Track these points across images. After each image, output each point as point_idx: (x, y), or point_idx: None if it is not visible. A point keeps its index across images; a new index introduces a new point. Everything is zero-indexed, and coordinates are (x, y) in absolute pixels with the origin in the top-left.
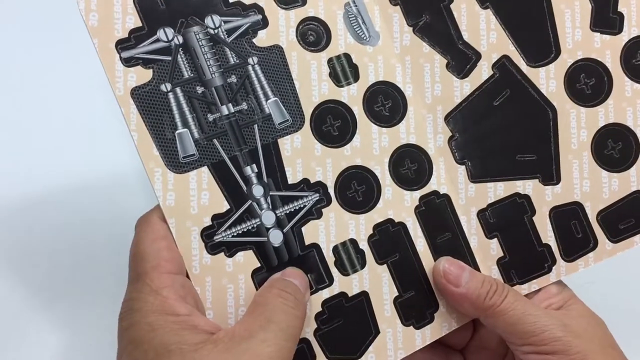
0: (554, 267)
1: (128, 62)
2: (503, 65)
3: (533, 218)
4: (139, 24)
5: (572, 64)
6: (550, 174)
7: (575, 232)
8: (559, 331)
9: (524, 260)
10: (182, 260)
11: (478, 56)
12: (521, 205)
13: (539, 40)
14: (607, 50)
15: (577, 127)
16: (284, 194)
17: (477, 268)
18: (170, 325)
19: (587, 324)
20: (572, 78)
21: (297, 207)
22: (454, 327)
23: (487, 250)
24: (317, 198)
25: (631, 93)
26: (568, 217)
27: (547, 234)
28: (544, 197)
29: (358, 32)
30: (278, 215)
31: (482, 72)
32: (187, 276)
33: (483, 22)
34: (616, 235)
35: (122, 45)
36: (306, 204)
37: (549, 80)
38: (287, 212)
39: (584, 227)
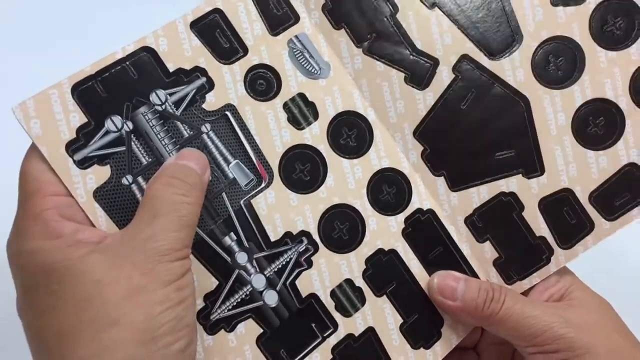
0: (552, 258)
1: (82, 164)
2: (463, 65)
3: (522, 214)
4: (84, 119)
5: (538, 47)
6: (532, 166)
7: (568, 218)
8: (561, 328)
9: (520, 256)
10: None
11: (436, 62)
12: (508, 203)
13: (497, 30)
14: (573, 23)
15: (553, 112)
16: (267, 253)
17: (474, 274)
18: (54, 245)
19: (589, 312)
20: (539, 62)
21: (283, 262)
22: (462, 337)
23: (481, 255)
24: (302, 248)
25: (606, 63)
26: (558, 205)
27: (540, 226)
28: (530, 191)
29: (307, 67)
30: (267, 275)
31: (443, 77)
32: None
33: (434, 25)
34: (612, 213)
35: (72, 147)
36: (291, 256)
37: (515, 70)
38: (275, 270)
39: (577, 212)
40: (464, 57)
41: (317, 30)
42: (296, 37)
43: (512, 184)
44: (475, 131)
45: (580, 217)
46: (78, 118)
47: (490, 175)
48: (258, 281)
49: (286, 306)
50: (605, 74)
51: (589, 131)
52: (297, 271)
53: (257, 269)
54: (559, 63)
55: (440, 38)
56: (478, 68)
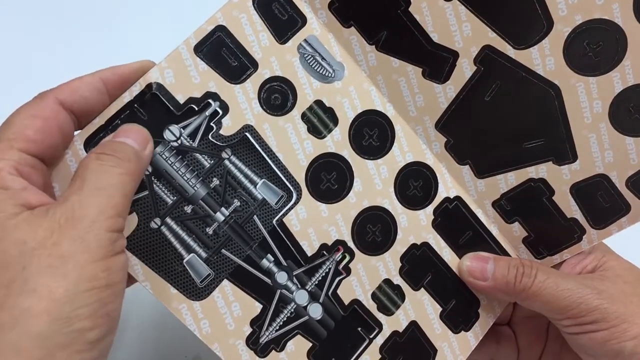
0: (584, 236)
1: None
2: (486, 56)
3: (553, 198)
4: None
5: (571, 33)
6: (564, 154)
7: (602, 202)
8: (595, 299)
9: (551, 235)
10: (54, 148)
11: (455, 55)
12: (537, 188)
13: (522, 16)
14: (614, 3)
15: (587, 100)
16: (306, 268)
17: (505, 253)
18: None
19: (624, 283)
20: (572, 49)
21: (323, 274)
22: (498, 314)
23: (511, 234)
24: (339, 257)
25: None
26: (592, 190)
27: (572, 209)
28: (561, 177)
29: (321, 71)
30: (309, 290)
31: (464, 70)
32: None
33: (452, 16)
34: None
35: None
36: (330, 266)
37: (544, 58)
38: (316, 282)
39: (612, 196)
40: (487, 48)
41: (326, 30)
42: (305, 41)
43: (542, 170)
44: (501, 122)
45: (616, 201)
46: None
47: (518, 164)
48: (301, 297)
49: (331, 316)
50: None
51: (628, 118)
52: (337, 280)
53: (299, 285)
54: (596, 48)
55: (458, 29)
56: (502, 59)
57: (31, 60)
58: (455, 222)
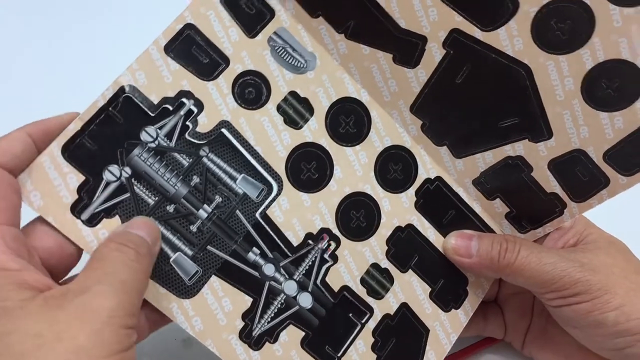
0: (565, 210)
1: (91, 222)
2: (454, 40)
3: (532, 174)
4: (82, 178)
5: (537, 13)
6: (539, 131)
7: (581, 176)
8: (577, 272)
9: (532, 210)
10: (17, 212)
11: (423, 40)
12: (515, 166)
13: None
14: None
15: (559, 77)
16: (292, 258)
17: (488, 229)
18: None
19: (605, 254)
20: (540, 28)
21: (310, 263)
22: (487, 289)
23: (493, 210)
24: (325, 245)
25: (621, 22)
26: (570, 165)
27: (551, 184)
28: (538, 153)
29: (292, 63)
30: (297, 279)
31: (434, 54)
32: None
33: (417, 2)
34: (630, 168)
35: (77, 208)
36: (316, 254)
37: (512, 39)
38: (304, 272)
39: (590, 170)
40: (454, 32)
41: (295, 21)
42: (275, 33)
43: (519, 148)
44: (474, 103)
45: (594, 175)
46: (75, 178)
47: (494, 143)
48: (290, 287)
49: (322, 304)
50: (619, 33)
51: (599, 94)
52: (325, 268)
53: (287, 276)
54: (563, 27)
55: (425, 14)
56: (471, 41)
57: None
58: (438, 202)
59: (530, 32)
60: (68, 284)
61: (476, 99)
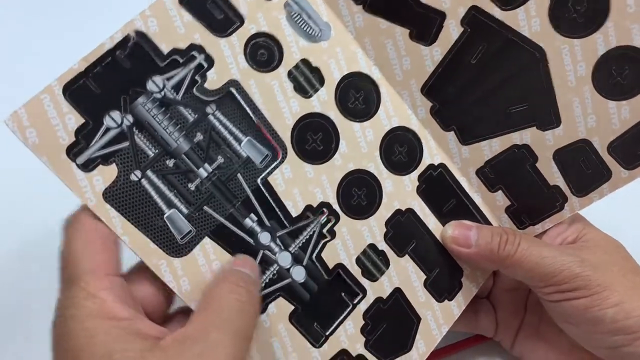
0: (566, 205)
1: (87, 167)
2: (473, 17)
3: (536, 164)
4: (81, 120)
5: None
6: (548, 119)
7: (584, 168)
8: (577, 267)
9: (533, 204)
10: (119, 262)
11: (442, 16)
12: (520, 155)
13: None
14: None
15: (572, 62)
16: (290, 229)
17: (487, 222)
18: (112, 330)
19: (604, 253)
20: (557, 9)
21: (307, 237)
22: (481, 284)
23: (494, 203)
24: (324, 220)
25: (634, 7)
26: (574, 155)
27: (554, 176)
28: (545, 143)
29: (307, 30)
30: (292, 252)
31: (451, 31)
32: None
33: None
34: (632, 162)
35: (73, 151)
36: (314, 229)
37: (530, 20)
38: (300, 245)
39: (594, 162)
40: (474, 9)
41: None
42: None
43: (526, 136)
44: (486, 86)
45: (597, 167)
46: (74, 120)
47: (502, 129)
48: (284, 259)
49: (315, 279)
50: (632, 19)
51: (610, 82)
52: (321, 243)
53: (282, 247)
54: (580, 9)
55: None
56: (489, 20)
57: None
58: (439, 189)
59: (548, 13)
60: (184, 329)
61: (488, 82)
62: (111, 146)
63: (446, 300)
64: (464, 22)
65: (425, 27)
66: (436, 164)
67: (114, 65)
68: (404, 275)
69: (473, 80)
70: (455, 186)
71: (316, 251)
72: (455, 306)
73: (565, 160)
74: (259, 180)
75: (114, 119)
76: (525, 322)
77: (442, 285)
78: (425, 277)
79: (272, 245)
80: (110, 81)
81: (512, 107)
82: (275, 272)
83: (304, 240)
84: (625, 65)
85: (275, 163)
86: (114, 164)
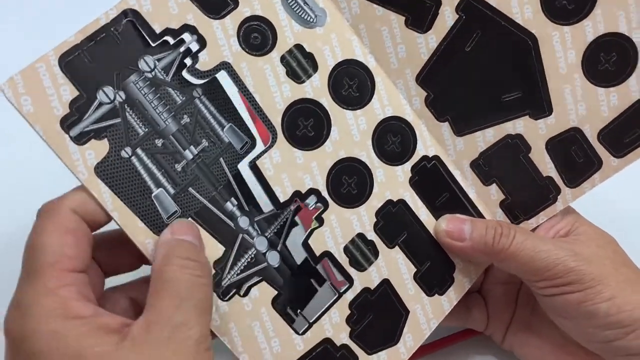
0: (559, 197)
1: (79, 140)
2: (468, 4)
3: (529, 155)
4: (76, 92)
5: None
6: (540, 107)
7: (576, 157)
8: (571, 261)
9: (527, 197)
10: (88, 258)
11: (437, 3)
12: (514, 145)
13: None
14: None
15: (562, 49)
16: (266, 215)
17: (481, 216)
18: (78, 329)
19: (596, 246)
20: None
21: (281, 223)
22: (474, 280)
23: (488, 197)
24: (296, 207)
25: None
26: (566, 145)
27: (547, 167)
28: (538, 132)
29: (302, 15)
30: (268, 237)
31: (446, 19)
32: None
33: None
34: (621, 149)
35: (67, 123)
36: (287, 216)
37: (522, 7)
38: (275, 230)
39: (585, 151)
40: None
41: None
42: None
43: (519, 125)
44: (481, 74)
45: (589, 156)
46: (69, 91)
47: (496, 119)
48: (260, 243)
49: (288, 265)
50: (618, 5)
51: (599, 68)
52: (307, 232)
53: (259, 232)
54: None
55: None
56: (483, 6)
57: None
58: (433, 182)
59: (540, 0)
60: (147, 315)
61: (483, 70)
62: (104, 121)
63: (437, 295)
64: (459, 8)
65: (420, 14)
66: (430, 156)
67: (108, 40)
68: (394, 266)
69: (468, 68)
70: (449, 179)
71: (288, 238)
72: (446, 301)
73: (557, 150)
74: (239, 166)
75: (107, 94)
76: (516, 316)
77: (433, 279)
78: (415, 269)
79: (250, 229)
80: (104, 56)
81: (506, 95)
82: (252, 255)
83: (278, 227)
84: (613, 51)
85: (265, 147)
86: (106, 139)
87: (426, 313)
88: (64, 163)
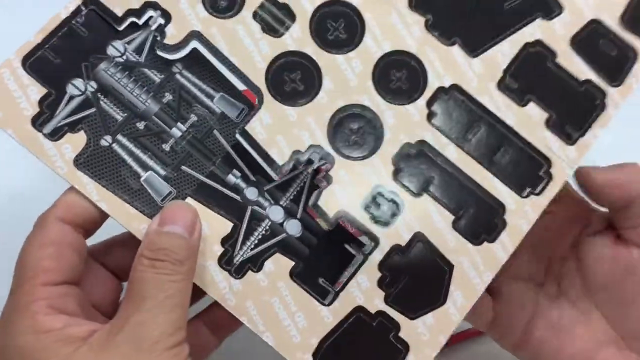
0: (606, 100)
1: (54, 136)
2: None
3: (557, 60)
4: (44, 90)
5: None
6: (547, 5)
7: (607, 51)
8: None
9: (572, 109)
10: (73, 270)
11: None
12: (538, 53)
13: None
14: None
15: None
16: (277, 182)
17: (526, 143)
18: (42, 342)
19: None
20: None
21: (298, 188)
22: (532, 222)
23: (528, 119)
24: (316, 166)
25: None
26: (592, 40)
27: (581, 69)
28: (556, 33)
29: None
30: (283, 205)
31: None
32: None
33: None
34: None
35: (38, 121)
36: (304, 179)
37: None
38: (291, 197)
39: (614, 42)
40: None
41: None
42: None
43: (534, 31)
44: None
45: (619, 47)
46: (37, 90)
47: (507, 29)
48: (275, 213)
49: (312, 231)
50: None
51: None
52: (316, 193)
53: (272, 201)
54: None
55: None
56: None
57: None
58: (458, 114)
59: None
60: (112, 320)
61: None
62: (77, 114)
63: (485, 243)
64: None
65: None
66: (447, 86)
67: (71, 33)
68: (425, 217)
69: None
70: (478, 107)
71: (310, 202)
72: (500, 248)
73: (585, 47)
74: (238, 135)
75: (76, 87)
76: (538, 319)
77: (477, 225)
78: (452, 217)
79: (261, 200)
80: (69, 50)
81: (507, 2)
82: (267, 227)
83: (295, 192)
84: None
85: (252, 112)
86: (82, 131)
87: (476, 265)
88: (42, 161)
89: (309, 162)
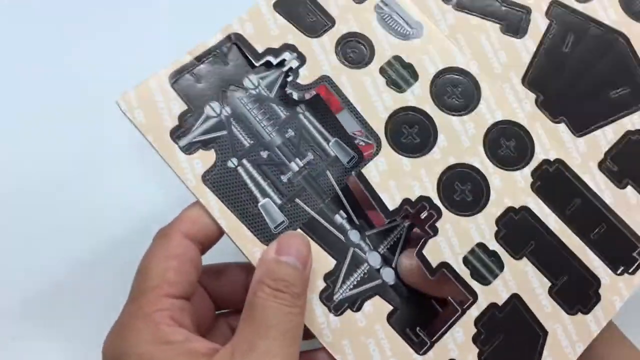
0: None
1: (188, 150)
2: (556, 10)
3: None
4: (184, 107)
5: None
6: None
7: None
8: None
9: None
10: (192, 285)
11: (527, 10)
12: (637, 141)
13: None
14: None
15: None
16: (378, 229)
17: (622, 223)
18: (165, 353)
19: None
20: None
21: (395, 239)
22: (625, 298)
23: (625, 201)
24: (408, 223)
25: None
26: None
27: None
28: None
29: (399, 29)
30: (381, 252)
31: (539, 24)
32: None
33: None
34: None
35: (176, 134)
36: (401, 231)
37: (606, 10)
38: (388, 246)
39: None
40: (555, 3)
41: None
42: (382, 1)
43: (637, 121)
44: (584, 72)
45: None
46: (179, 105)
47: (611, 116)
48: (374, 259)
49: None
50: None
51: None
52: (424, 240)
53: (371, 247)
54: None
55: None
56: (571, 11)
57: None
58: (559, 187)
59: (620, 4)
60: (233, 341)
61: (584, 68)
62: (211, 133)
63: (580, 314)
64: (549, 14)
65: (513, 21)
66: (552, 160)
67: (215, 61)
68: (523, 280)
69: (570, 67)
70: (579, 184)
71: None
72: (593, 321)
73: None
74: (345, 181)
75: (213, 109)
76: None
77: (573, 295)
78: (550, 284)
79: (362, 244)
80: (211, 75)
81: (614, 91)
82: (365, 271)
83: (392, 242)
84: None
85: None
86: (212, 149)
87: (569, 334)
88: (174, 171)
89: (418, 211)
